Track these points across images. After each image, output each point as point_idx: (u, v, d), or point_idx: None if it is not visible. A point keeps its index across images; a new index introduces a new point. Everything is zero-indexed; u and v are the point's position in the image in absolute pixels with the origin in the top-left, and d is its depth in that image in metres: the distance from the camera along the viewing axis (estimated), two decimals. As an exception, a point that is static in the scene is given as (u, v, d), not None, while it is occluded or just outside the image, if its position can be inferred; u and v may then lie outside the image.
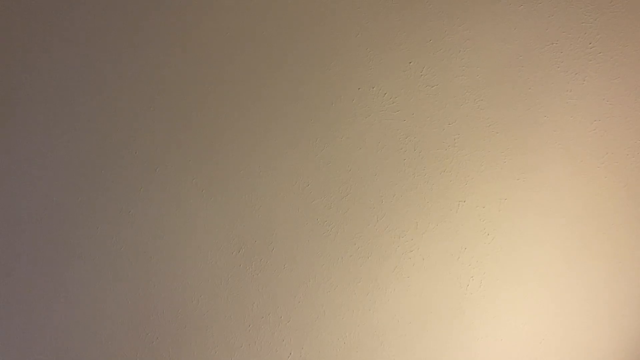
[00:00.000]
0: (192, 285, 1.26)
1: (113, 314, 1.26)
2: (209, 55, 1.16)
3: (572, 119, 1.20)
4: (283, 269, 1.26)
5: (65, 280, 1.24)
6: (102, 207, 1.21)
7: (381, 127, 1.20)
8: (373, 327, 1.29)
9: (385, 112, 1.20)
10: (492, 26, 1.16)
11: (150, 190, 1.21)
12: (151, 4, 1.14)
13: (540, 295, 1.28)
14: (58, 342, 1.27)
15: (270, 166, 1.21)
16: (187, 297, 1.26)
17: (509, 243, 1.26)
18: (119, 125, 1.18)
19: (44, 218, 1.21)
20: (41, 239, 1.22)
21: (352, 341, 1.29)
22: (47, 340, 1.27)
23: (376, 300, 1.28)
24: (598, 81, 1.18)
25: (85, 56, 1.15)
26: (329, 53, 1.17)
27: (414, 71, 1.18)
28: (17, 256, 1.23)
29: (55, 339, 1.27)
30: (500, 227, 1.25)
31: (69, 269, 1.24)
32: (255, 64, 1.17)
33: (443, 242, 1.25)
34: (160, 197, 1.21)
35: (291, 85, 1.18)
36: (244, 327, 1.28)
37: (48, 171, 1.19)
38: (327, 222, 1.24)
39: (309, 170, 1.22)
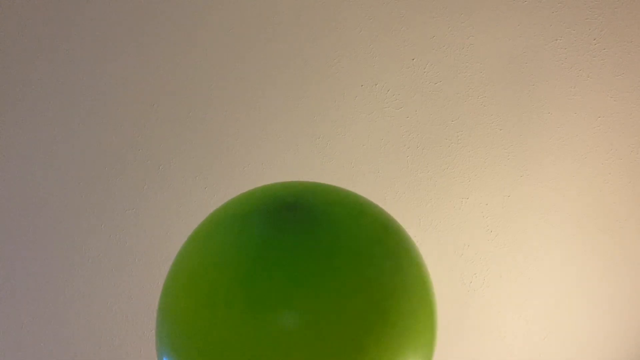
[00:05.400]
0: (195, 282, 1.26)
1: (117, 312, 1.27)
2: (212, 53, 1.16)
3: (576, 115, 1.19)
4: (286, 266, 1.26)
5: (69, 278, 1.24)
6: (105, 205, 1.21)
7: (384, 123, 1.20)
8: (376, 324, 1.29)
9: (388, 108, 1.19)
10: (495, 22, 1.16)
11: (153, 187, 1.21)
12: (156, 3, 1.14)
13: (544, 291, 1.28)
14: (61, 339, 1.28)
15: (273, 164, 1.21)
16: (191, 294, 1.27)
17: (512, 240, 1.26)
18: (122, 124, 1.18)
19: (47, 216, 1.21)
20: (44, 237, 1.22)
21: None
22: (50, 336, 1.27)
23: (379, 297, 1.28)
24: (602, 77, 1.18)
25: (88, 55, 1.15)
26: (332, 50, 1.17)
27: (417, 68, 1.17)
28: (19, 254, 1.23)
29: (59, 335, 1.28)
30: (504, 223, 1.25)
31: (73, 266, 1.24)
32: (257, 61, 1.17)
33: (446, 239, 1.25)
34: (164, 195, 1.21)
35: (294, 82, 1.18)
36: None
37: (51, 169, 1.19)
38: (330, 219, 1.24)
39: (312, 167, 1.22)
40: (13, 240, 1.22)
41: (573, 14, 1.15)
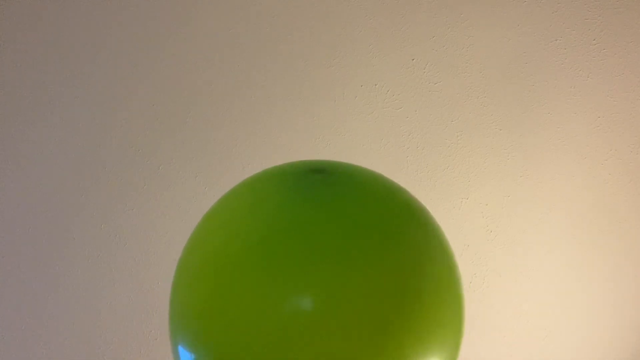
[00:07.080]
0: (195, 282, 1.26)
1: (115, 311, 1.27)
2: (212, 54, 1.16)
3: (576, 115, 1.19)
4: (286, 266, 1.26)
5: (68, 277, 1.24)
6: (104, 205, 1.21)
7: (384, 124, 1.20)
8: (376, 324, 1.29)
9: (388, 109, 1.19)
10: (495, 22, 1.16)
11: (152, 187, 1.21)
12: (155, 3, 1.14)
13: (544, 291, 1.28)
14: (61, 339, 1.28)
15: (273, 164, 1.21)
16: (191, 294, 1.27)
17: (512, 240, 1.26)
18: (121, 123, 1.18)
19: (46, 215, 1.21)
20: (43, 236, 1.22)
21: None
22: (47, 335, 1.27)
23: (379, 297, 1.28)
24: (602, 77, 1.18)
25: (88, 55, 1.15)
26: (331, 50, 1.17)
27: (417, 68, 1.17)
28: (18, 253, 1.23)
29: (58, 335, 1.27)
30: (503, 224, 1.25)
31: (72, 266, 1.24)
32: (257, 61, 1.17)
33: (446, 239, 1.25)
34: (163, 195, 1.21)
35: (293, 82, 1.18)
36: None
37: (50, 168, 1.19)
38: (330, 219, 1.24)
39: (312, 167, 1.21)
40: (13, 240, 1.22)
41: (573, 14, 1.15)
